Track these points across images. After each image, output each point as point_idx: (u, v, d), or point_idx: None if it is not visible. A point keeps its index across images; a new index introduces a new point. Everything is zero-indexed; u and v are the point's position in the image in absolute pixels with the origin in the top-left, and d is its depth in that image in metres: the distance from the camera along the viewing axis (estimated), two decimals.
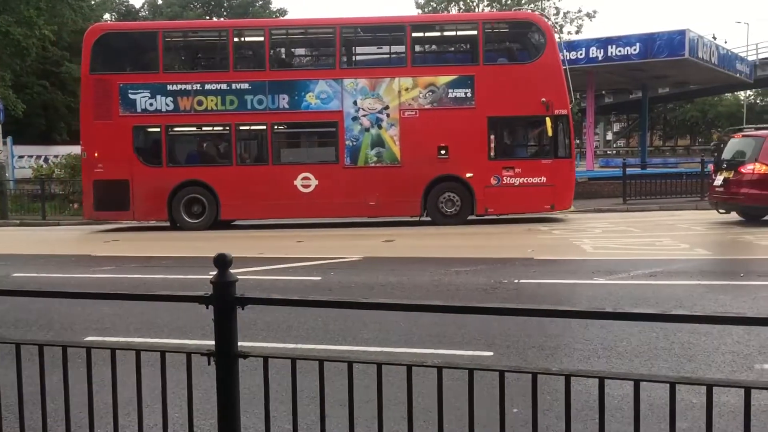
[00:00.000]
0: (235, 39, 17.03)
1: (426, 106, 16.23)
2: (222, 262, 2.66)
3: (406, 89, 16.25)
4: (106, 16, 41.91)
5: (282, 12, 48.99)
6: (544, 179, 16.03)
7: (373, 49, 18.99)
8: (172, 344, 5.79)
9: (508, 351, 5.86)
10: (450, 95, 16.22)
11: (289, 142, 17.43)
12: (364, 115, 16.31)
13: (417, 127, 16.14)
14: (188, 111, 16.48)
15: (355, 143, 16.35)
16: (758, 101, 72.72)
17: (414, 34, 16.87)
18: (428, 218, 16.45)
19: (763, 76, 47.81)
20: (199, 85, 16.53)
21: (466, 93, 16.17)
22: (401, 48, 16.85)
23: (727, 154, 15.39)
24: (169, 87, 16.46)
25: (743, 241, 12.05)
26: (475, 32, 16.70)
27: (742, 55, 41.22)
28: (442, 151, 16.21)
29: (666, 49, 23.93)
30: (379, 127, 16.33)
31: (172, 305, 7.67)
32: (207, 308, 2.66)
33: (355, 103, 16.30)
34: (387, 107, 16.27)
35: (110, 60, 17.32)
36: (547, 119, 15.84)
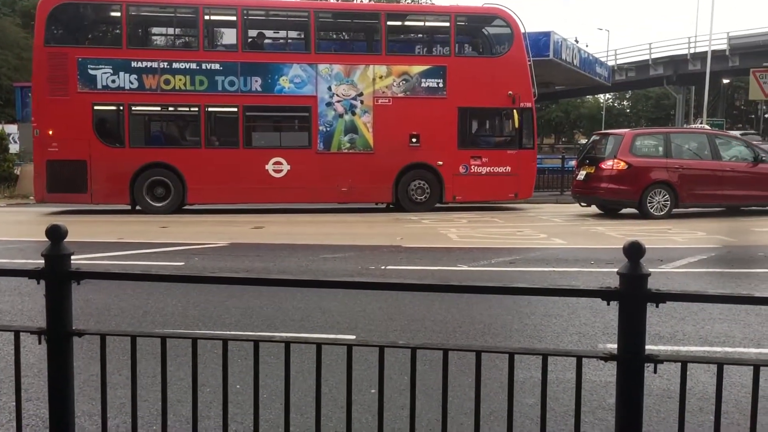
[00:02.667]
0: (206, 17, 16.24)
1: (399, 95, 16.42)
2: (56, 233, 2.49)
3: (381, 77, 16.34)
4: None
5: None
6: (509, 169, 16.65)
7: (348, 35, 18.81)
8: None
9: (370, 334, 5.90)
10: (423, 85, 16.47)
11: (261, 126, 16.96)
12: (338, 101, 16.23)
13: (390, 114, 16.28)
14: (154, 90, 15.72)
15: (328, 129, 16.27)
16: (616, 104, 77.58)
17: (389, 23, 16.94)
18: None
19: (620, 81, 51.15)
20: (166, 63, 15.76)
21: (438, 83, 16.47)
22: (376, 36, 16.87)
23: (590, 151, 16.27)
24: (134, 64, 15.62)
25: (596, 232, 12.79)
26: (447, 24, 16.90)
27: (603, 59, 43.79)
28: (414, 139, 16.45)
29: (533, 50, 24.85)
30: (353, 113, 16.32)
31: (16, 293, 7.20)
32: (38, 283, 2.49)
33: (329, 88, 16.20)
34: (361, 94, 16.29)
35: (67, 32, 16.20)
36: (514, 111, 16.50)
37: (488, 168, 16.65)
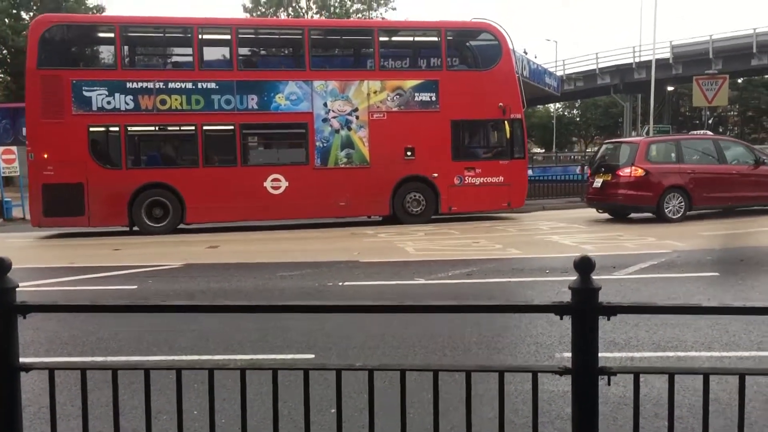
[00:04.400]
0: (201, 37, 16.13)
1: (393, 109, 16.62)
2: None
3: (375, 92, 16.54)
4: None
5: (99, 9, 46.30)
6: (501, 179, 17.01)
7: (342, 51, 18.92)
8: None
9: (329, 353, 5.87)
10: (416, 99, 16.74)
11: (258, 144, 17.00)
12: (334, 117, 16.37)
13: (385, 129, 16.47)
14: (150, 110, 15.56)
15: (325, 144, 16.36)
16: (566, 113, 78.97)
17: (381, 38, 17.13)
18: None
19: (569, 90, 52.11)
20: (162, 84, 15.64)
21: (431, 97, 16.76)
22: (370, 51, 17.06)
23: (603, 159, 16.77)
24: (129, 84, 15.46)
25: (550, 240, 12.97)
26: (437, 38, 17.18)
27: (552, 70, 44.59)
28: (409, 153, 16.68)
29: None
30: (349, 128, 16.46)
31: None
32: None
33: (325, 104, 16.32)
34: (356, 109, 16.46)
35: (61, 54, 16.00)
36: (505, 123, 16.93)
37: (482, 179, 16.98)
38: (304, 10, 53.64)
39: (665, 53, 45.03)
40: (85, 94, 15.29)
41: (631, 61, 48.53)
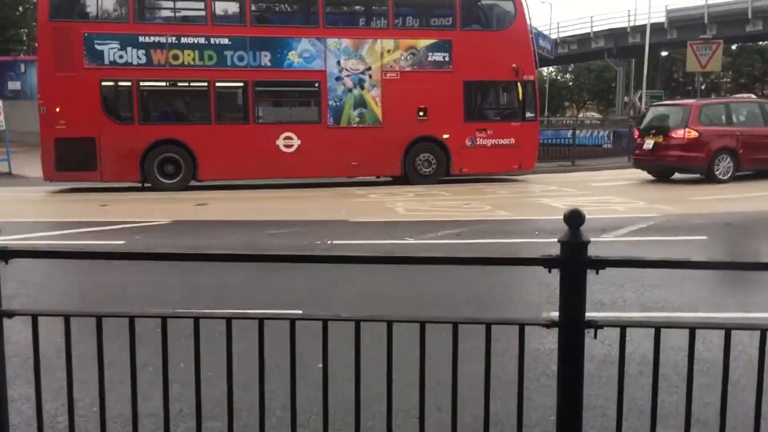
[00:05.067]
0: None
1: (407, 69, 16.50)
2: None
3: (388, 51, 16.39)
4: None
5: None
6: (512, 140, 16.93)
7: (356, 9, 18.71)
8: None
9: (317, 309, 5.87)
10: (429, 59, 16.60)
11: (270, 101, 16.95)
12: (347, 76, 16.26)
13: (398, 88, 16.34)
14: (163, 65, 15.41)
15: (338, 103, 16.28)
16: (559, 77, 78.49)
17: None
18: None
19: (563, 54, 51.71)
20: (174, 38, 15.44)
21: (444, 57, 16.60)
22: (384, 9, 16.82)
23: (653, 121, 16.82)
24: (141, 39, 15.29)
25: (540, 203, 12.99)
26: None
27: (546, 33, 44.17)
28: (421, 113, 16.58)
29: None
30: (362, 87, 16.36)
31: None
32: None
33: (338, 63, 16.20)
34: (369, 68, 16.34)
35: (73, 6, 15.74)
36: (518, 84, 16.87)
37: (493, 140, 16.90)
38: None
39: (660, 17, 44.64)
40: (97, 47, 15.09)
41: (625, 25, 48.10)
